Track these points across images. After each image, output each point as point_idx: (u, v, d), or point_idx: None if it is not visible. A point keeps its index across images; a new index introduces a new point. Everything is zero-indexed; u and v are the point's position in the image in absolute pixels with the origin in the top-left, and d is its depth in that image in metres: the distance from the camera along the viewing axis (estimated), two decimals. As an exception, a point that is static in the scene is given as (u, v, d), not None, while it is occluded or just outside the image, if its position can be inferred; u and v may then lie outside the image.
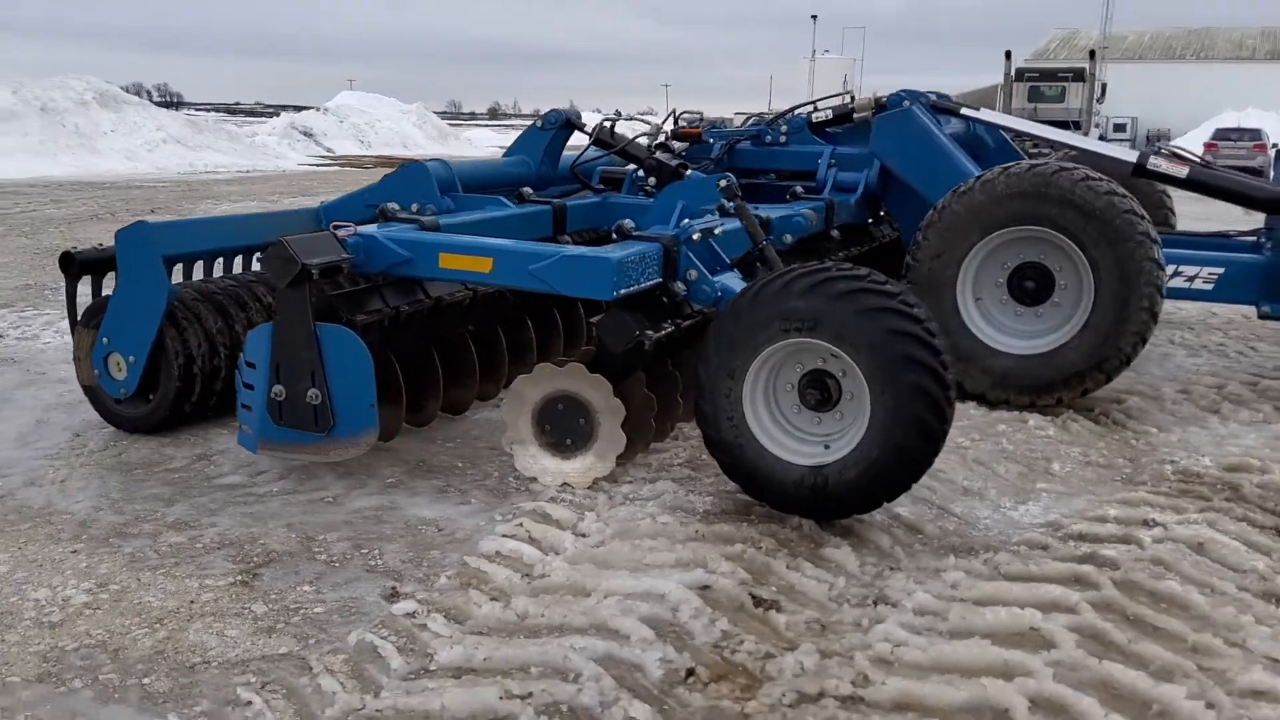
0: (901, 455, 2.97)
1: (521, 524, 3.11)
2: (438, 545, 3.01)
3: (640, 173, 4.89)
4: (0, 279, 7.48)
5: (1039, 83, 27.29)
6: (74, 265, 4.08)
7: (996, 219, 4.29)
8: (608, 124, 4.90)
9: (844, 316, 2.95)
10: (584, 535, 3.07)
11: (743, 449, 3.14)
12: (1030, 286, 4.34)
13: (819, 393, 3.10)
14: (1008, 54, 26.98)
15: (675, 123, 5.85)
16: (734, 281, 3.46)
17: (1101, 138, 26.92)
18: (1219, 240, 5.34)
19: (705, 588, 2.75)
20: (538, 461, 3.48)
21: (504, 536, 3.03)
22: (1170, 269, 4.80)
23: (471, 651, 2.40)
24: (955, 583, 2.83)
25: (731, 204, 3.68)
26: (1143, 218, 4.11)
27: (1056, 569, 2.90)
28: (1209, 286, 4.85)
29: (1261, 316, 4.85)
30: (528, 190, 4.49)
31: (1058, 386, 4.27)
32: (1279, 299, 4.76)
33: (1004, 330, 4.42)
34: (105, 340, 3.99)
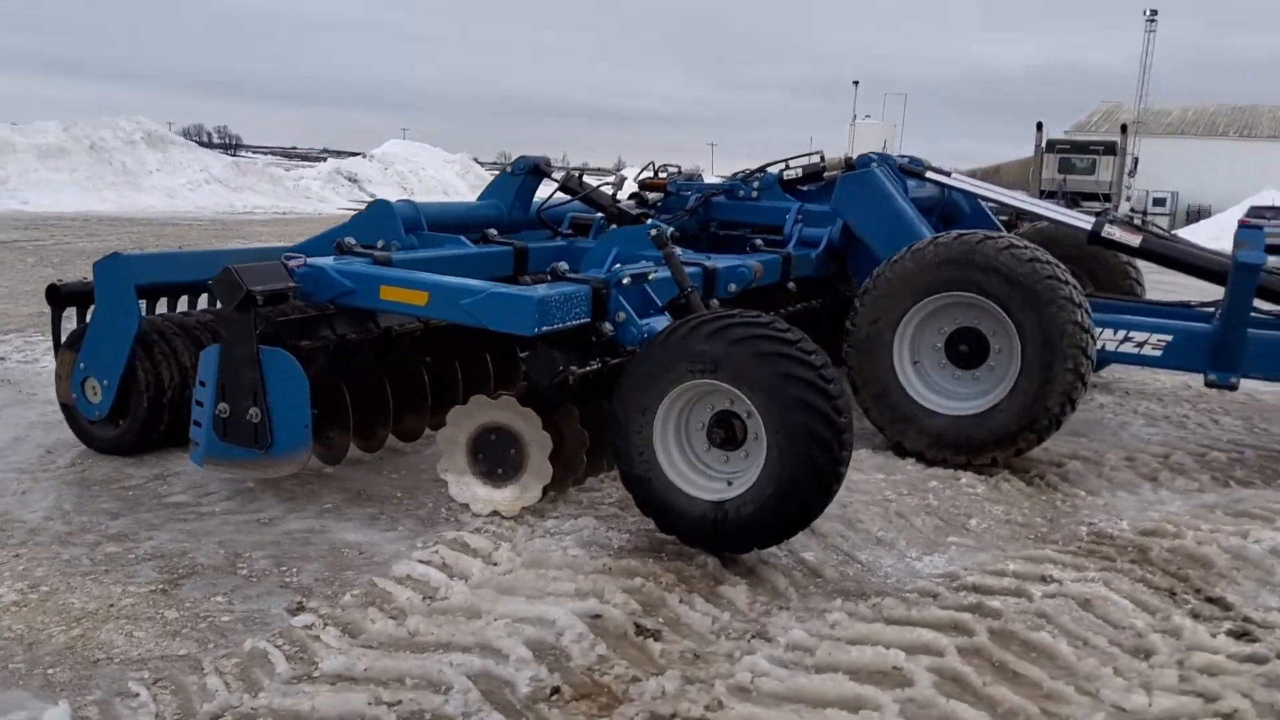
0: (794, 493, 3.13)
1: (438, 551, 3.29)
2: (354, 567, 3.19)
3: (604, 219, 5.11)
4: (17, 306, 7.82)
5: (1070, 155, 27.43)
6: (59, 297, 4.36)
7: (926, 286, 4.47)
8: (575, 173, 5.12)
9: (742, 360, 3.13)
10: (495, 564, 3.24)
11: (652, 483, 3.31)
12: (964, 350, 4.49)
13: (724, 432, 3.27)
14: (1039, 125, 27.26)
15: (655, 174, 6.09)
16: (661, 325, 3.65)
17: (1132, 210, 26.93)
18: (1172, 309, 5.45)
19: (596, 616, 2.90)
20: (470, 489, 3.66)
21: (418, 561, 3.21)
22: (1120, 335, 4.94)
23: (354, 662, 2.57)
24: (835, 622, 2.97)
25: (660, 252, 3.85)
26: (1066, 283, 4.26)
27: (937, 615, 3.03)
28: (1158, 353, 4.95)
29: (1208, 384, 4.94)
30: (492, 232, 4.72)
31: (991, 446, 4.40)
32: (1224, 368, 4.85)
33: (940, 392, 4.56)
34: (82, 365, 4.24)
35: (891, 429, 4.60)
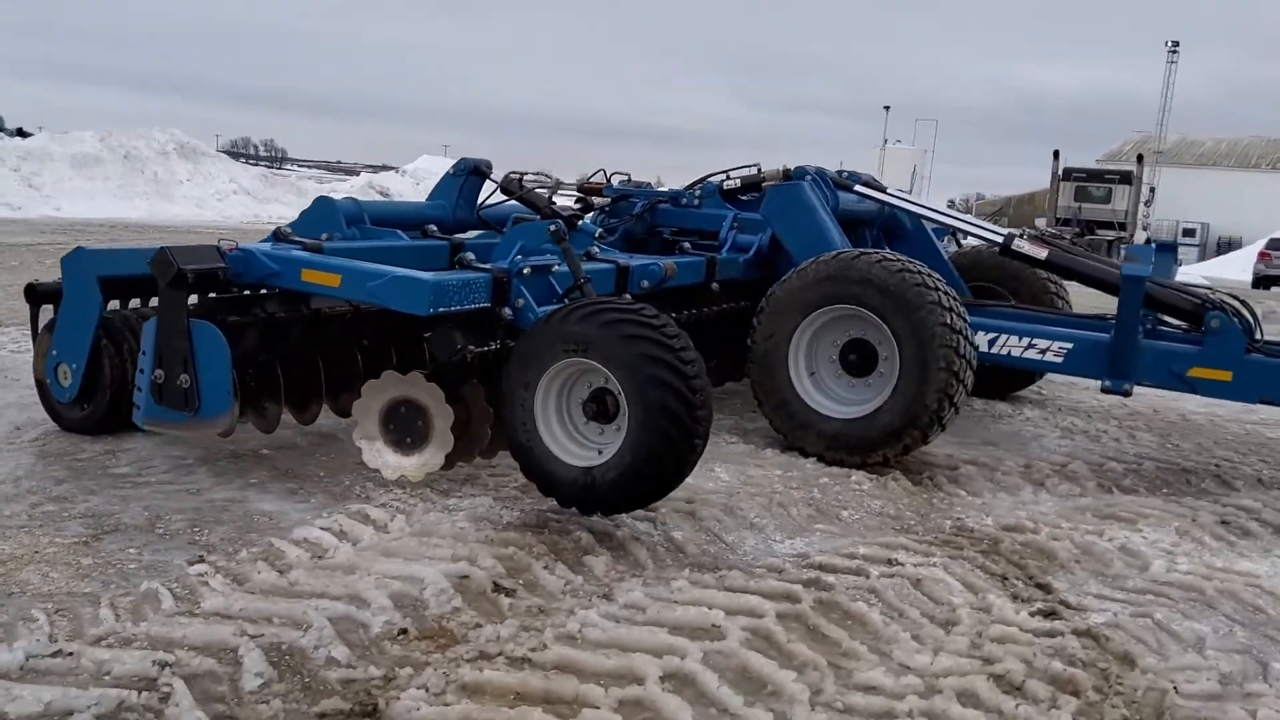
0: (650, 461, 3.51)
1: (338, 520, 3.67)
2: (259, 530, 3.58)
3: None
4: (23, 303, 8.30)
5: (1086, 183, 27.59)
6: (35, 294, 4.82)
7: (811, 301, 4.85)
8: (515, 176, 5.50)
9: (608, 340, 3.52)
10: (386, 532, 3.62)
11: (533, 451, 3.70)
12: (855, 359, 4.86)
13: (596, 405, 3.66)
14: (1055, 154, 27.42)
15: (608, 182, 6.48)
16: (557, 311, 4.03)
17: (1149, 240, 27.03)
18: (1080, 320, 5.72)
19: (463, 577, 3.26)
20: (381, 456, 4.03)
21: (318, 527, 3.59)
22: (1025, 341, 5.29)
23: (232, 603, 2.95)
24: (677, 589, 3.31)
25: (559, 246, 4.21)
26: (934, 289, 4.63)
27: (771, 586, 3.37)
28: (1059, 359, 5.28)
29: (1104, 390, 5.26)
30: (432, 228, 5.11)
31: (880, 445, 4.74)
32: (1118, 375, 5.15)
33: (835, 399, 4.93)
34: (54, 352, 4.67)
35: (791, 435, 4.95)
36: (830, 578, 3.49)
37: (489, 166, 5.74)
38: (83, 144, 24.48)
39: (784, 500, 4.32)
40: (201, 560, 3.26)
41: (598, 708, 2.54)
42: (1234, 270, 29.80)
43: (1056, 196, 27.41)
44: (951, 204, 48.07)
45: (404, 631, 2.89)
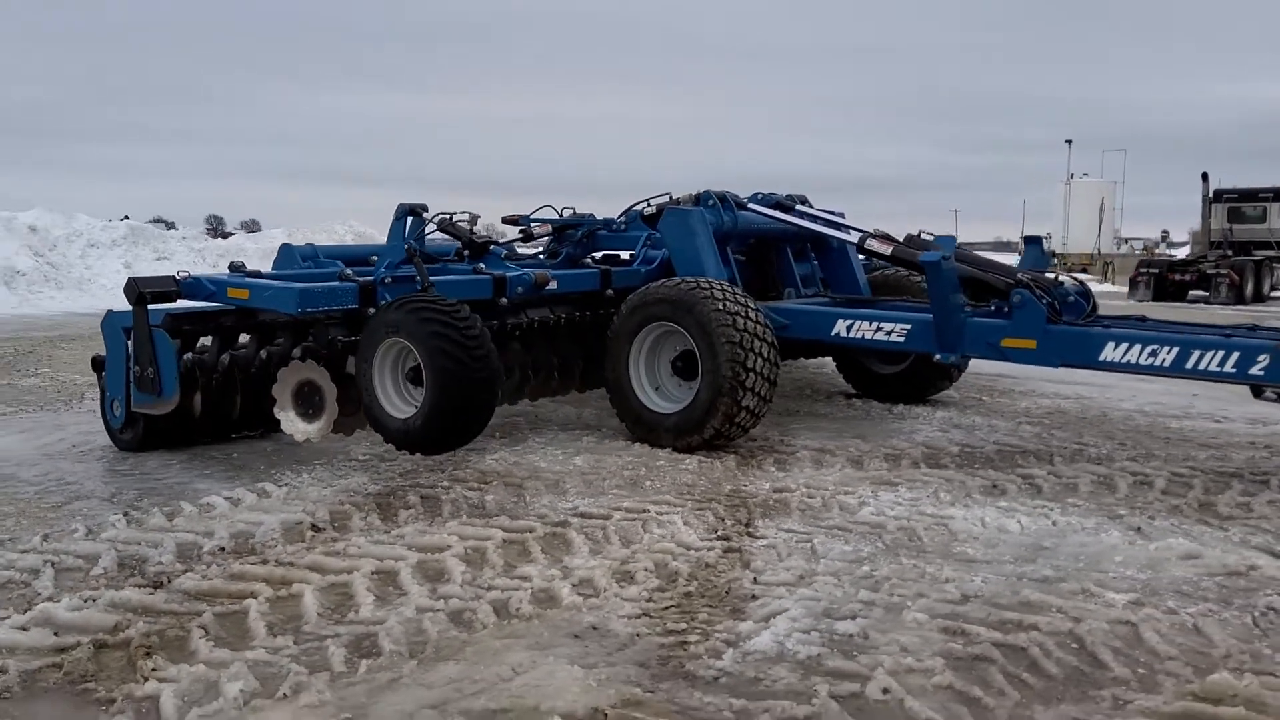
0: (440, 414, 4.90)
1: (238, 491, 5.04)
2: (179, 497, 4.98)
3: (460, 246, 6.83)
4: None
5: (1238, 204, 26.59)
6: (97, 363, 6.44)
7: (632, 328, 6.07)
8: (445, 215, 6.82)
9: (411, 323, 4.88)
10: (266, 496, 4.96)
11: (373, 408, 5.16)
12: (681, 366, 5.98)
13: (414, 374, 5.02)
14: (1204, 176, 26.65)
15: (559, 215, 7.71)
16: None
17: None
18: (921, 307, 6.43)
19: (297, 523, 4.55)
20: (293, 424, 5.44)
21: (220, 495, 4.97)
22: (874, 326, 6.20)
23: (120, 534, 4.35)
24: (445, 526, 4.48)
25: (413, 262, 5.63)
26: (708, 290, 5.80)
27: (521, 524, 4.47)
28: (901, 339, 6.15)
29: (936, 362, 6.08)
30: (374, 258, 6.39)
31: (705, 419, 5.77)
32: (947, 349, 5.97)
33: (674, 400, 6.05)
34: (108, 392, 6.32)
35: (647, 437, 6.06)
36: (576, 519, 4.58)
37: (424, 208, 7.12)
38: (271, 240, 27.72)
39: (605, 477, 5.40)
40: (125, 514, 4.68)
41: (304, 588, 3.75)
42: None
43: (1209, 220, 26.58)
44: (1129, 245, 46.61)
45: (222, 549, 4.20)
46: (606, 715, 2.77)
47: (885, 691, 2.91)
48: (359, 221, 30.77)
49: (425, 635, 3.32)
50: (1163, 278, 24.45)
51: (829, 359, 8.52)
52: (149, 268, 22.59)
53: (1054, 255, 44.79)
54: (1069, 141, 58.35)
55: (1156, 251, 46.77)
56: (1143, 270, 24.99)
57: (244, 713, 2.79)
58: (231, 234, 32.25)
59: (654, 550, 4.16)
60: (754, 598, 3.67)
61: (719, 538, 4.36)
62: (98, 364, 6.35)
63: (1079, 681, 3.01)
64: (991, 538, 4.36)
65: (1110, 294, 26.77)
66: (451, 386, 4.80)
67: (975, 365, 8.28)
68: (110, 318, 6.14)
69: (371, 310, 5.36)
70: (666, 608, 3.57)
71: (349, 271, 5.57)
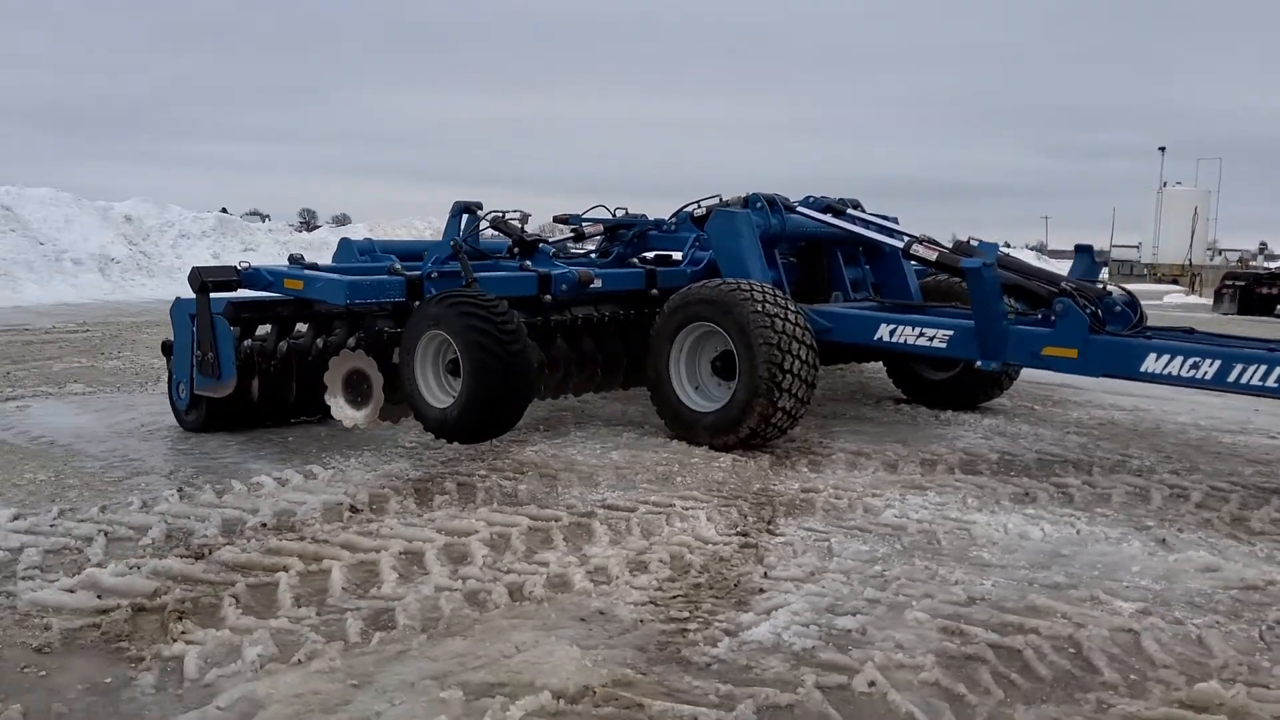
0: (477, 405, 5.09)
1: (287, 472, 5.28)
2: (232, 476, 5.24)
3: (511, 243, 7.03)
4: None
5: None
6: (166, 347, 6.77)
7: (675, 325, 6.15)
8: (498, 213, 7.02)
9: (449, 317, 5.09)
10: (313, 478, 5.19)
11: (414, 397, 5.40)
12: (720, 366, 6.06)
13: (453, 365, 5.23)
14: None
15: (612, 215, 7.87)
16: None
17: None
18: (965, 314, 6.41)
19: (337, 503, 4.77)
20: (342, 410, 5.69)
21: (269, 475, 5.21)
22: (917, 331, 6.22)
23: (173, 508, 4.60)
24: (476, 512, 4.65)
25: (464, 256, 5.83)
26: (748, 292, 5.87)
27: (548, 514, 4.63)
28: (944, 345, 6.16)
29: (977, 369, 6.09)
30: (396, 265, 6.62)
31: (741, 419, 5.86)
32: (989, 356, 5.97)
33: (712, 399, 6.13)
34: (174, 375, 6.64)
35: (685, 435, 6.16)
36: (602, 511, 4.72)
37: (479, 205, 7.33)
38: (356, 234, 28.44)
39: (638, 472, 5.52)
40: (179, 490, 4.95)
41: (334, 564, 3.94)
42: None
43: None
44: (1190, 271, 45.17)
45: (264, 525, 4.43)
46: (595, 693, 2.89)
47: (871, 684, 2.99)
48: (438, 218, 31.47)
49: (439, 612, 3.49)
50: (1249, 290, 23.75)
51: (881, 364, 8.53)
52: (236, 258, 23.40)
53: (1145, 266, 43.84)
54: (1162, 149, 56.80)
55: (1252, 264, 45.31)
56: (1228, 283, 24.30)
57: (259, 675, 2.98)
58: (318, 227, 33.16)
59: (672, 543, 4.28)
60: (761, 591, 3.77)
61: (738, 533, 4.46)
62: (167, 348, 6.66)
63: (1067, 684, 3.05)
64: (1010, 543, 4.38)
65: (1195, 306, 26.11)
66: (487, 379, 4.98)
67: (1034, 375, 8.25)
68: (179, 305, 6.45)
69: (417, 304, 5.56)
70: (674, 597, 3.69)
71: (398, 266, 5.79)
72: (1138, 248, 49.05)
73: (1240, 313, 23.13)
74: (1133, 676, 3.10)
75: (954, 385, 7.69)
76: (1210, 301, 25.38)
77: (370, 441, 6.06)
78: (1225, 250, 53.93)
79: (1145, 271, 44.14)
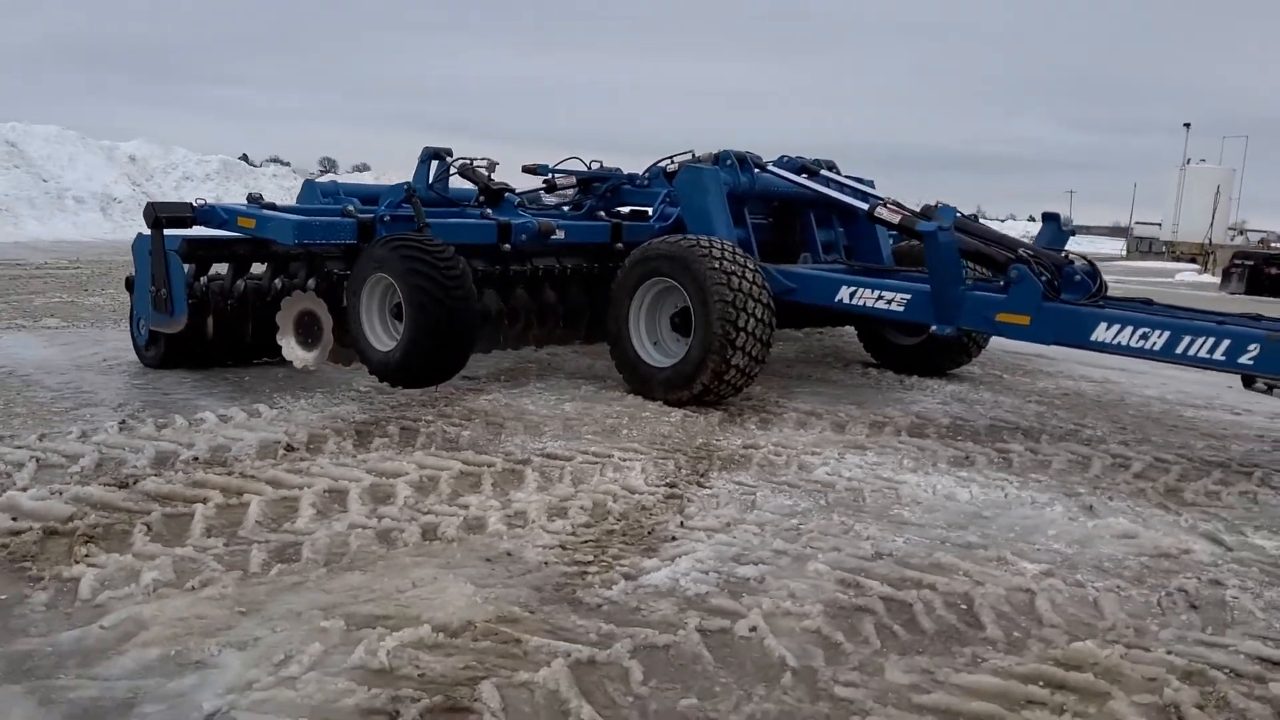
0: (418, 349, 5.08)
1: (232, 410, 5.32)
2: (177, 411, 5.29)
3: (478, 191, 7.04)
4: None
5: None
6: (129, 282, 6.82)
7: (635, 279, 6.16)
8: (466, 161, 7.03)
9: (393, 260, 5.10)
10: (257, 416, 5.24)
11: (359, 341, 5.39)
12: (679, 321, 6.06)
13: (396, 309, 5.25)
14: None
15: (588, 168, 7.86)
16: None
17: None
18: (923, 277, 6.40)
19: (275, 441, 4.81)
20: (293, 350, 5.73)
21: (213, 412, 5.26)
22: (876, 294, 6.21)
23: (110, 439, 4.66)
24: (412, 455, 4.69)
25: (410, 202, 5.82)
26: (707, 248, 5.86)
27: (482, 459, 4.66)
28: (901, 308, 6.13)
29: (931, 333, 6.07)
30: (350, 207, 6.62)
31: (691, 378, 5.89)
32: (944, 320, 5.95)
33: (669, 355, 6.14)
34: (134, 310, 6.69)
35: (641, 388, 6.19)
36: (539, 459, 4.75)
37: (449, 152, 7.31)
38: (361, 178, 28.46)
39: (587, 423, 5.55)
40: (122, 422, 5.00)
41: (254, 499, 3.98)
42: None
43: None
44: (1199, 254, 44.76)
45: (196, 459, 4.48)
46: (476, 627, 2.93)
47: (752, 630, 3.02)
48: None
49: (346, 548, 3.53)
50: (1258, 270, 23.54)
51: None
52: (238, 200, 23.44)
53: (1164, 244, 43.45)
54: (1187, 125, 55.99)
55: (1275, 245, 44.83)
56: (1237, 262, 24.09)
57: (149, 598, 3.03)
58: (326, 173, 33.21)
59: (598, 491, 4.31)
60: (673, 539, 3.80)
61: (666, 485, 4.48)
62: (129, 284, 6.71)
63: (948, 638, 3.07)
64: (935, 504, 4.40)
65: (1206, 285, 25.92)
66: (429, 323, 4.99)
67: (1011, 345, 8.22)
68: (139, 240, 6.47)
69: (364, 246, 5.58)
70: (585, 542, 3.72)
71: (352, 208, 5.80)
72: (1160, 225, 48.56)
73: (1248, 292, 22.94)
74: (1016, 634, 3.13)
75: (922, 351, 7.68)
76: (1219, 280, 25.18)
77: (325, 384, 6.11)
78: (1249, 230, 53.30)
79: (1164, 249, 43.80)
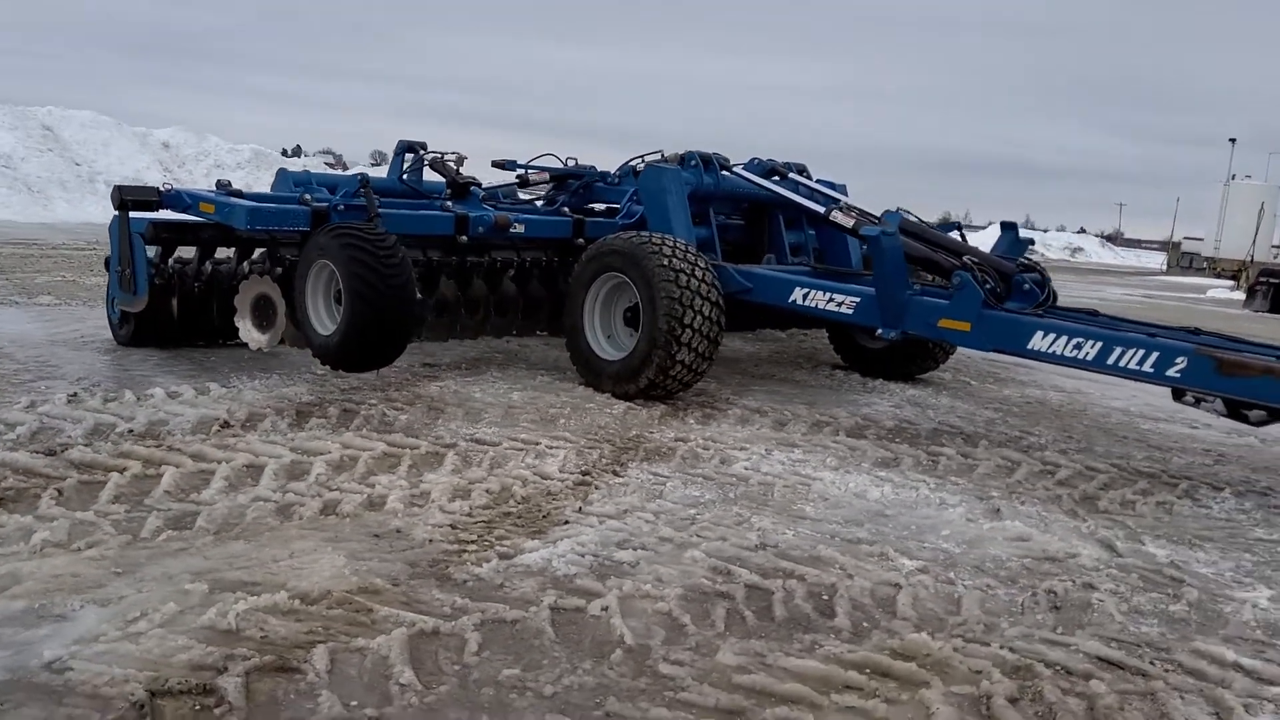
0: (355, 334, 5.25)
1: (183, 387, 5.51)
2: (131, 386, 5.48)
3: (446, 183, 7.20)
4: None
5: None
6: (107, 263, 7.08)
7: (590, 274, 6.28)
8: (437, 154, 7.19)
9: (334, 248, 5.24)
10: (205, 394, 5.42)
11: (303, 325, 5.57)
12: (631, 316, 6.19)
13: (337, 295, 5.39)
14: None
15: (564, 165, 8.00)
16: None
17: None
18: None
19: (215, 418, 4.98)
20: (249, 333, 5.92)
21: (163, 388, 5.44)
22: (828, 297, 6.28)
23: (56, 409, 4.86)
24: (343, 435, 4.85)
25: (363, 194, 5.98)
26: (658, 246, 5.97)
27: (408, 441, 4.80)
28: (850, 311, 6.20)
29: (875, 337, 6.13)
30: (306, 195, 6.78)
31: (638, 372, 6.00)
32: (890, 325, 6.00)
33: (622, 349, 6.26)
34: (109, 291, 6.92)
35: (592, 381, 6.32)
36: (464, 444, 4.89)
37: (423, 145, 7.48)
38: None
39: (529, 413, 5.68)
40: (71, 395, 5.20)
41: (170, 470, 4.15)
42: None
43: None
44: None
45: (131, 431, 4.66)
46: (332, 595, 3.07)
47: (604, 609, 3.14)
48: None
49: (242, 519, 3.69)
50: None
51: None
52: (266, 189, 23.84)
53: (1205, 260, 42.87)
54: (1232, 140, 55.22)
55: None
56: (1262, 279, 23.77)
57: (33, 556, 3.20)
58: (376, 165, 33.78)
59: (510, 475, 4.44)
60: (565, 524, 3.92)
61: (581, 473, 4.60)
62: (107, 264, 6.94)
63: (794, 626, 3.17)
64: (841, 500, 4.49)
65: (1234, 303, 25.59)
66: (366, 309, 5.15)
67: (993, 353, 8.22)
68: (114, 222, 6.70)
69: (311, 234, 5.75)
70: (477, 522, 3.85)
71: (308, 196, 5.97)
72: (1202, 240, 47.91)
73: (1273, 310, 22.64)
74: (864, 624, 3.22)
75: (889, 355, 7.73)
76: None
77: (285, 366, 6.29)
78: (1297, 249, 52.25)
79: (1205, 265, 43.25)
